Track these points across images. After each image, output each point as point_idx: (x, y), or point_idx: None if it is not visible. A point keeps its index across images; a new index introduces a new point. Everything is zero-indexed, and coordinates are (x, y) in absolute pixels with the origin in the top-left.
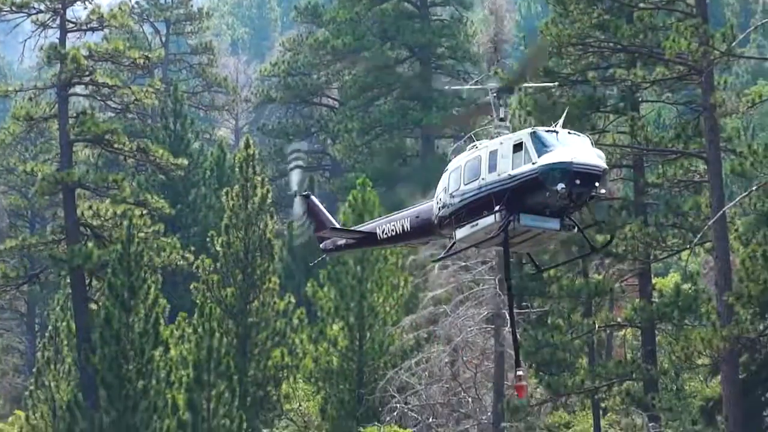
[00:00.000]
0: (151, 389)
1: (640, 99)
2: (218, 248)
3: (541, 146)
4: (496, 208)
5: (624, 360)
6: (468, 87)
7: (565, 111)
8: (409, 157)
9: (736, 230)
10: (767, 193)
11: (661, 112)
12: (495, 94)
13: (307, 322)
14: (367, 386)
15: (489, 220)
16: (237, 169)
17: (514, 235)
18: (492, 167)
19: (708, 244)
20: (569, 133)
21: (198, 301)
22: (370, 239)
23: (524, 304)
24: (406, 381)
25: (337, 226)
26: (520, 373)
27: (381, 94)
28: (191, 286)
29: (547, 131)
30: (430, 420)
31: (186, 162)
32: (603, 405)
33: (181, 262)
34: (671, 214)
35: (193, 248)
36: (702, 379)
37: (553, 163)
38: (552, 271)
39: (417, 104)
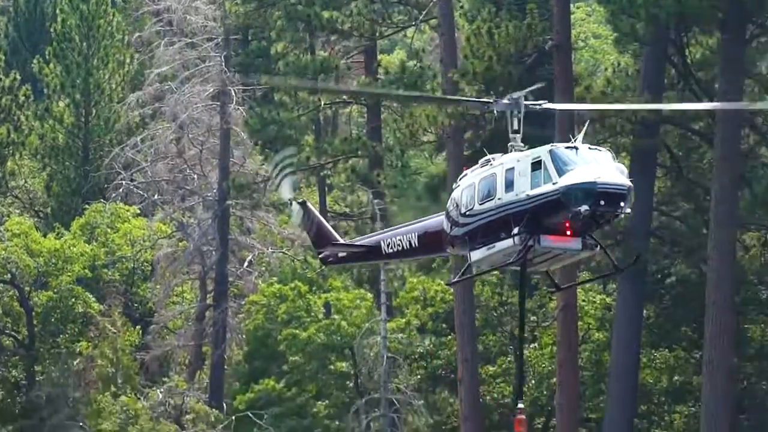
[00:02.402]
0: None
1: None
2: None
3: (562, 164)
4: (515, 230)
5: (349, 137)
6: (473, 100)
7: (586, 124)
8: None
9: (462, 7)
10: None
11: None
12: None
13: (33, 98)
14: (93, 163)
15: (507, 243)
16: None
17: (534, 256)
18: (509, 186)
19: (433, 21)
20: (590, 148)
21: None
22: (373, 253)
23: (250, 80)
24: (131, 158)
25: (340, 240)
26: (520, 406)
27: None
28: None
29: (567, 147)
30: (156, 197)
31: None
32: (328, 181)
33: None
34: None
35: None
36: (427, 156)
37: (576, 184)
38: (280, 47)
39: None
